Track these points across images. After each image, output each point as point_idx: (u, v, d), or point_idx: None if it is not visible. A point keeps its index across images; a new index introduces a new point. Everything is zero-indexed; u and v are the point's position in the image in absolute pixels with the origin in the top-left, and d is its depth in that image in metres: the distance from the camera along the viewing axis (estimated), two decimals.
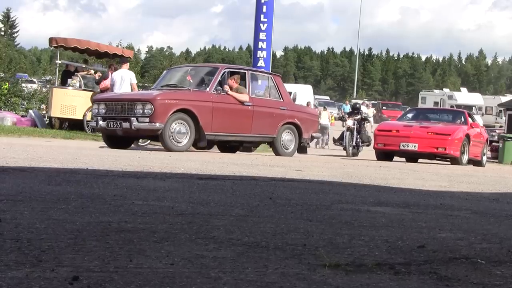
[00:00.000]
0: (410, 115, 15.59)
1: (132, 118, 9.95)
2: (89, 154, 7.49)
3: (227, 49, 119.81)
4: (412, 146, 12.95)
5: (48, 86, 25.11)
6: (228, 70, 11.28)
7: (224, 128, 10.78)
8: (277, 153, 11.56)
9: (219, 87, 10.76)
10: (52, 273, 1.82)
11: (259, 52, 18.12)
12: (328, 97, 63.71)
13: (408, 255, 2.40)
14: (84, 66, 17.10)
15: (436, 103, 49.22)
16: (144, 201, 3.52)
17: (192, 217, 3.02)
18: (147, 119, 9.90)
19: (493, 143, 22.45)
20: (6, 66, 24.56)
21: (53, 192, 3.64)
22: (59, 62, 17.48)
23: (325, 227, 3.00)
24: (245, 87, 11.23)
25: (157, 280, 1.81)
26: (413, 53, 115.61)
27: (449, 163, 13.39)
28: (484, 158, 15.38)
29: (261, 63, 18.07)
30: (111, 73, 14.14)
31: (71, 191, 3.75)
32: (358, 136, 17.97)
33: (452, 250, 2.56)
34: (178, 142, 10.10)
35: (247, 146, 12.30)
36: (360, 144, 18.01)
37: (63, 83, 16.20)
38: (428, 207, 4.16)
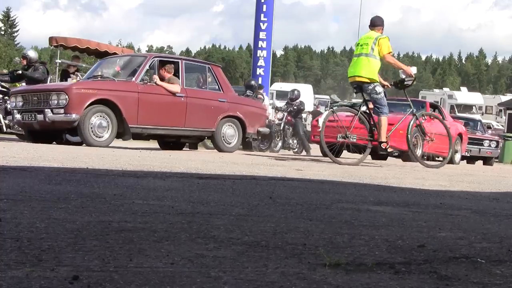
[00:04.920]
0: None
1: (47, 110, 9.41)
2: (89, 153, 7.49)
3: (227, 49, 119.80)
4: (351, 138, 11.45)
5: None
6: (157, 59, 10.68)
7: (153, 121, 10.17)
8: (218, 148, 10.97)
9: (146, 77, 10.19)
10: (52, 272, 1.82)
11: (259, 52, 18.13)
12: (328, 97, 63.65)
13: (408, 254, 2.40)
14: (84, 66, 17.11)
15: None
16: (144, 200, 3.52)
17: (192, 217, 3.02)
18: (62, 110, 9.35)
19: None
20: (6, 65, 24.56)
21: (53, 191, 3.64)
22: (59, 61, 17.48)
23: (325, 226, 2.99)
24: (179, 77, 10.63)
25: (157, 279, 1.81)
26: (413, 53, 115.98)
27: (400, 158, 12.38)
28: (457, 155, 14.16)
29: (261, 62, 18.08)
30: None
31: (71, 190, 3.75)
32: (291, 131, 15.86)
33: (452, 249, 2.56)
34: (98, 137, 9.51)
35: (186, 141, 11.61)
36: (292, 142, 15.86)
37: None
38: (428, 207, 4.16)
